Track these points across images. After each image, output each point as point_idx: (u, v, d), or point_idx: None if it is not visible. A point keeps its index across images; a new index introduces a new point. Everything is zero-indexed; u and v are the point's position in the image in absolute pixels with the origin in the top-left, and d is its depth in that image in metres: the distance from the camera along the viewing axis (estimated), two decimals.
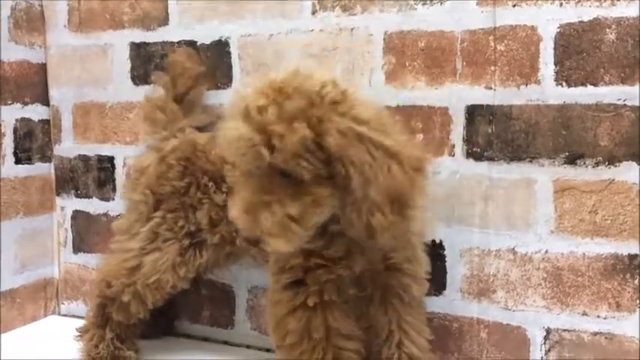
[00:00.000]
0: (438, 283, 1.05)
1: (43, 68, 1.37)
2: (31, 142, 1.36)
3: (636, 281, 0.95)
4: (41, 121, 1.38)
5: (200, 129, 1.15)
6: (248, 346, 1.23)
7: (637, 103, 0.93)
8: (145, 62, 1.27)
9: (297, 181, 0.76)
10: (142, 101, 1.26)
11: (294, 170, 0.75)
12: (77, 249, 1.40)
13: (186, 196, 1.05)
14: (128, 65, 1.29)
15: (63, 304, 1.43)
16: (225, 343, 1.25)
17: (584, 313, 0.98)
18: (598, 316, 0.97)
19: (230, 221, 1.00)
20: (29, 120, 1.35)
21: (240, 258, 1.10)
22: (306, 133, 0.74)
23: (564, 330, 1.00)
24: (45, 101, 1.39)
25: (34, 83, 1.36)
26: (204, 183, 1.04)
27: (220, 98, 1.20)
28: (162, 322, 1.26)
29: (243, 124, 0.76)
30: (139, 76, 1.28)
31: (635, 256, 0.95)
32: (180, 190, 1.05)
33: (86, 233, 1.38)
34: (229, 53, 1.19)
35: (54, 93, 1.38)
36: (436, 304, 1.06)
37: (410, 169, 0.77)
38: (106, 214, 1.35)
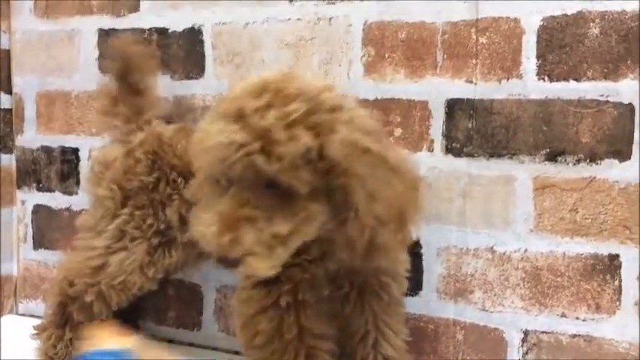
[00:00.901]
0: (414, 282, 1.02)
1: (7, 55, 1.31)
2: None
3: (616, 282, 0.93)
4: (3, 110, 1.32)
5: (167, 121, 1.10)
6: (215, 349, 1.18)
7: (619, 100, 0.91)
8: None
9: (288, 195, 0.68)
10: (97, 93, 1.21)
11: (291, 183, 0.67)
12: (38, 245, 1.33)
13: (155, 192, 0.99)
14: (96, 53, 1.24)
15: (21, 302, 1.36)
16: (191, 345, 1.20)
17: (563, 315, 0.96)
18: (577, 318, 0.95)
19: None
20: None
21: (211, 257, 1.05)
22: (310, 141, 0.67)
23: (542, 332, 0.97)
24: (8, 89, 1.32)
25: None
26: (173, 178, 0.99)
27: (192, 89, 1.16)
28: (127, 322, 1.20)
29: (234, 127, 0.67)
30: (107, 65, 1.23)
31: (616, 256, 0.93)
32: (149, 185, 1.00)
33: (47, 229, 1.32)
34: (202, 42, 1.15)
35: (18, 81, 1.32)
36: (412, 305, 1.02)
37: (409, 185, 0.73)
38: (68, 209, 1.29)
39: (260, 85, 0.70)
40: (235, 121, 0.68)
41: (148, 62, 1.09)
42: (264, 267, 0.69)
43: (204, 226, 0.69)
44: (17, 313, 1.36)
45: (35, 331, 1.08)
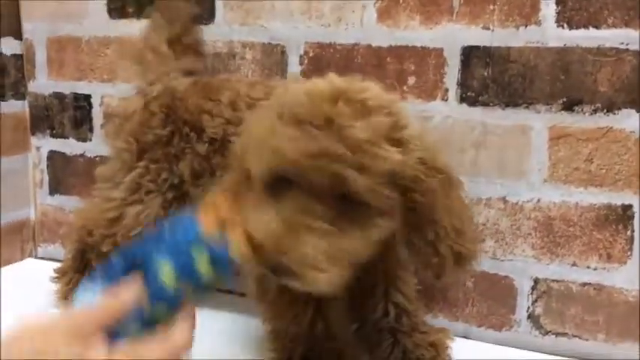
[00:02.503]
0: None
1: (15, 1, 1.29)
2: (3, 78, 1.29)
3: (628, 232, 0.93)
4: (14, 55, 1.31)
5: (189, 72, 1.08)
6: (230, 292, 1.20)
7: (639, 48, 0.89)
8: None
9: (359, 209, 0.65)
10: (122, 37, 1.20)
11: (373, 199, 0.64)
12: (54, 190, 1.35)
13: (170, 146, 0.99)
14: None
15: (40, 246, 1.39)
16: None
17: (574, 264, 0.96)
18: (588, 267, 0.96)
19: (214, 174, 0.96)
20: (1, 54, 1.28)
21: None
22: (400, 158, 0.65)
23: (553, 280, 0.98)
24: (18, 35, 1.31)
25: (6, 16, 1.28)
26: (186, 132, 0.98)
27: (202, 35, 1.14)
28: None
29: (320, 131, 0.63)
30: (116, 9, 1.21)
31: (629, 206, 0.93)
32: (163, 139, 0.99)
33: (63, 175, 1.33)
34: None
35: (27, 26, 1.30)
36: None
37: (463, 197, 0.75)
38: (82, 155, 1.30)
39: (334, 92, 0.67)
40: (322, 128, 0.63)
41: (189, 17, 1.08)
42: (324, 282, 0.64)
43: (261, 224, 0.64)
44: (37, 257, 1.39)
45: (55, 275, 1.10)
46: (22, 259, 1.36)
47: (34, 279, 1.21)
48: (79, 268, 1.07)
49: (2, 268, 1.30)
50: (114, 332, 0.57)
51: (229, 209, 0.61)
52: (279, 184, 0.66)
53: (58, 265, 1.12)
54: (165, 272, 0.58)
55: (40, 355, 0.52)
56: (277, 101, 0.71)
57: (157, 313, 0.59)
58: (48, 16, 1.27)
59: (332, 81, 0.70)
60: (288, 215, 0.64)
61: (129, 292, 0.58)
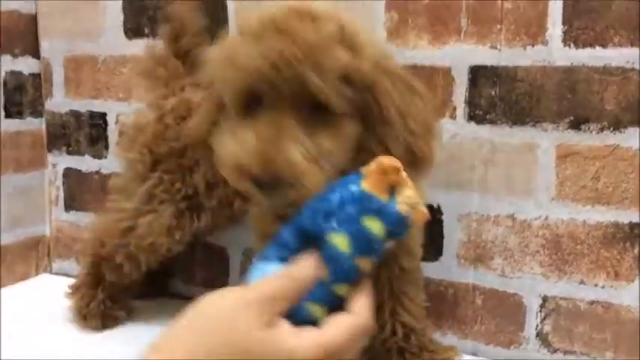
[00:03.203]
0: (434, 248, 1.03)
1: (33, 19, 1.33)
2: (21, 96, 1.32)
3: (636, 250, 0.93)
4: (32, 74, 1.34)
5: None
6: None
7: None
8: (139, 14, 1.23)
9: (326, 114, 0.68)
10: (137, 55, 1.22)
11: (333, 100, 0.66)
12: (69, 207, 1.38)
13: (184, 157, 1.01)
14: (121, 17, 1.24)
15: (55, 262, 1.41)
16: None
17: (582, 282, 0.97)
18: (596, 285, 0.96)
19: (227, 184, 0.96)
20: (20, 73, 1.31)
21: (239, 220, 1.07)
22: (350, 59, 0.67)
23: (561, 298, 0.98)
24: (36, 54, 1.35)
25: (24, 35, 1.32)
26: None
27: None
28: (157, 281, 1.24)
29: (279, 41, 0.65)
30: (132, 29, 1.24)
31: (636, 224, 0.93)
32: (177, 151, 1.01)
33: (78, 191, 1.36)
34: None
35: (45, 45, 1.34)
36: (432, 270, 1.04)
37: (427, 102, 0.76)
38: (98, 172, 1.33)
39: (285, 8, 0.69)
40: (277, 36, 0.66)
41: (199, 30, 1.10)
42: (317, 182, 0.65)
43: (239, 145, 0.66)
44: (51, 272, 1.41)
45: (69, 290, 1.12)
46: (37, 275, 1.39)
47: (48, 294, 1.23)
48: (93, 283, 1.09)
49: (17, 284, 1.32)
50: (290, 314, 0.54)
51: (396, 169, 0.59)
52: (251, 105, 0.68)
53: (72, 280, 1.14)
54: (342, 246, 0.56)
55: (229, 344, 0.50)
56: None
57: (337, 290, 0.56)
58: (65, 35, 1.31)
59: (282, 4, 0.72)
60: (264, 130, 0.65)
61: (308, 268, 0.55)
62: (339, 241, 0.56)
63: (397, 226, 0.58)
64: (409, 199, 0.58)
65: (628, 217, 0.93)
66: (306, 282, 0.55)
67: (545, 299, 0.99)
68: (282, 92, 0.66)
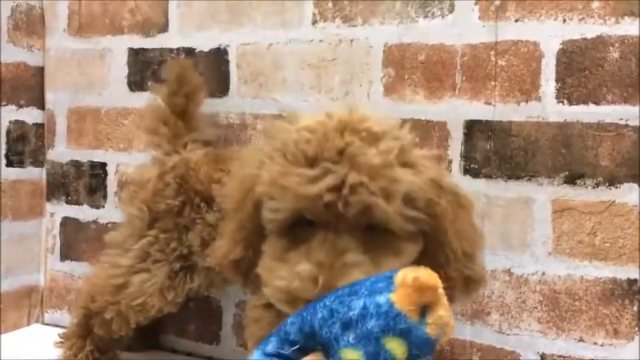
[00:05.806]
0: None
1: (40, 71, 1.36)
2: (24, 146, 1.34)
3: (635, 308, 0.92)
4: (35, 124, 1.36)
5: (207, 143, 1.11)
6: None
7: (638, 124, 0.91)
8: (142, 69, 1.26)
9: (387, 235, 0.64)
10: (139, 109, 1.24)
11: (399, 224, 0.63)
12: (64, 256, 1.37)
13: (181, 216, 1.01)
14: (125, 71, 1.28)
15: (47, 312, 1.39)
16: (210, 358, 1.22)
17: (581, 339, 0.95)
18: (595, 343, 0.94)
19: None
20: (23, 123, 1.34)
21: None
22: (412, 177, 0.64)
23: (559, 356, 0.96)
24: (40, 105, 1.37)
25: (30, 86, 1.35)
26: (197, 203, 1.00)
27: (216, 107, 1.18)
28: (148, 335, 1.22)
29: (336, 164, 0.62)
30: (136, 83, 1.27)
31: (635, 281, 0.92)
32: (175, 209, 1.02)
33: (74, 240, 1.36)
34: (227, 62, 1.17)
35: (50, 97, 1.36)
36: None
37: (472, 215, 0.73)
38: (95, 222, 1.33)
39: (338, 124, 0.66)
40: (334, 161, 0.62)
41: (198, 87, 1.12)
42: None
43: (294, 272, 0.61)
44: (43, 323, 1.39)
45: (59, 339, 1.10)
46: (28, 325, 1.36)
47: (38, 345, 1.21)
48: (83, 334, 1.07)
49: (8, 334, 1.30)
50: None
51: (434, 287, 0.54)
52: (296, 227, 0.65)
53: (63, 331, 1.12)
54: None
55: None
56: (270, 142, 0.70)
57: None
58: (70, 87, 1.34)
59: (330, 114, 0.68)
60: (321, 255, 0.61)
61: None
62: (352, 357, 0.51)
63: (423, 349, 0.52)
64: (441, 320, 0.53)
65: (626, 273, 0.92)
66: None
67: (543, 357, 0.97)
68: (342, 216, 0.62)
